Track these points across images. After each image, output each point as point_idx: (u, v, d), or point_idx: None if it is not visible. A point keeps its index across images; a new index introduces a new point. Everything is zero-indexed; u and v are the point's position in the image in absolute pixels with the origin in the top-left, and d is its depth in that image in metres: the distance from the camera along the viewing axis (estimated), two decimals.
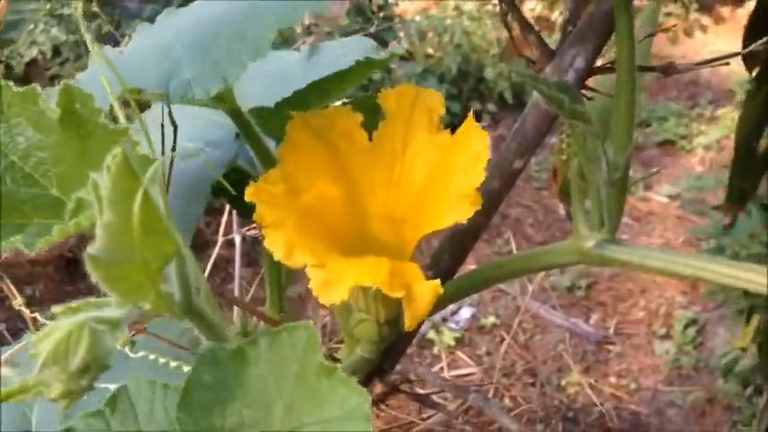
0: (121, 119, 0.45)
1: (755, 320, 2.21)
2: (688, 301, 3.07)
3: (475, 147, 0.53)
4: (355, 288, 0.51)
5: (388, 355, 0.69)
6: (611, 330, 2.98)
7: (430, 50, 4.21)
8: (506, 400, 2.54)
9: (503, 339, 2.87)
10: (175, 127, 0.55)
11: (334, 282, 0.48)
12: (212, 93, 0.49)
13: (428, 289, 0.49)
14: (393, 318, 0.60)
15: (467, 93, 4.03)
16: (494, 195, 0.65)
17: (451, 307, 2.96)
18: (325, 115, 0.57)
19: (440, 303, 0.52)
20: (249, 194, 0.52)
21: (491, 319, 2.96)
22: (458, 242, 0.66)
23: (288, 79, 0.82)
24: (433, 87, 0.64)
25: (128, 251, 0.33)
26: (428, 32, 4.18)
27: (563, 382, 2.72)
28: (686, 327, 2.90)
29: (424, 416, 1.15)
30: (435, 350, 2.78)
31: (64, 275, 2.56)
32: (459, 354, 2.79)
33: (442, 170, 0.56)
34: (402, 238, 0.58)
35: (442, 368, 2.62)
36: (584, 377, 2.75)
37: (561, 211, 3.76)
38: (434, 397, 0.77)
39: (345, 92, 0.81)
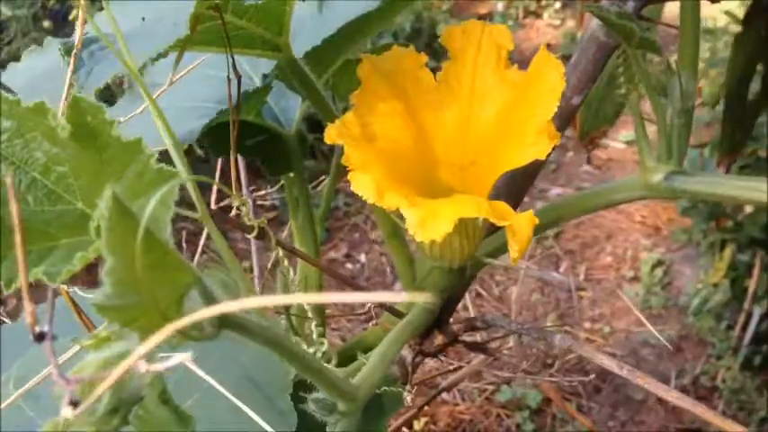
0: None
1: (728, 255, 2.28)
2: (652, 244, 3.16)
3: (550, 79, 0.52)
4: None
5: (447, 306, 0.68)
6: (582, 277, 3.04)
7: None
8: None
9: (478, 294, 2.91)
10: (239, 77, 0.52)
11: (434, 218, 0.46)
12: None
13: (526, 219, 0.48)
14: (464, 264, 0.59)
15: (421, 50, 3.99)
16: None
17: None
18: (390, 57, 0.55)
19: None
20: (331, 136, 0.49)
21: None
22: (516, 183, 0.65)
23: (299, 29, 0.79)
24: None
25: (135, 294, 0.30)
26: None
27: None
28: (653, 268, 2.98)
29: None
30: None
31: None
32: None
33: (515, 107, 0.54)
34: (473, 181, 0.57)
35: None
36: (559, 324, 2.81)
37: None
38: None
39: (370, 35, 0.78)
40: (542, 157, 0.51)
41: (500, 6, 4.67)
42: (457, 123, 0.56)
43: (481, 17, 4.62)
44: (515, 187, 0.65)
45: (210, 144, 0.72)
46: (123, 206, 0.29)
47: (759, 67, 1.13)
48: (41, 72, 0.56)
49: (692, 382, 2.48)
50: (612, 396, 2.52)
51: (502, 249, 0.66)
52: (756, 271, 2.22)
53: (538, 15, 4.88)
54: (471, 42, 0.55)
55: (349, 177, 0.48)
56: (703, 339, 2.58)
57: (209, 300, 0.34)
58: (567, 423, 2.44)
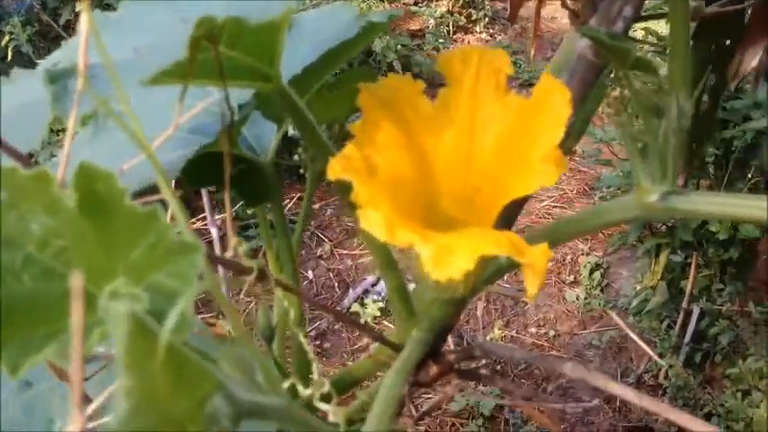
0: None
1: (663, 259, 2.35)
2: (589, 248, 3.23)
3: (556, 105, 0.51)
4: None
5: (441, 335, 0.66)
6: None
7: None
8: None
9: None
10: (232, 111, 0.49)
11: (450, 255, 0.44)
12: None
13: (541, 253, 0.47)
14: (465, 294, 0.58)
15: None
16: None
17: (371, 279, 2.95)
18: (388, 85, 0.53)
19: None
20: (336, 171, 0.46)
21: (412, 286, 2.98)
22: (508, 206, 0.64)
23: None
24: None
25: (154, 412, 0.28)
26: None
27: (487, 338, 2.80)
28: (591, 272, 3.06)
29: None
30: (361, 321, 2.77)
31: None
32: (386, 323, 2.79)
33: (518, 134, 0.53)
34: (477, 211, 0.55)
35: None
36: (506, 331, 2.84)
37: None
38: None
39: (345, 60, 0.77)
40: (549, 185, 0.50)
41: (432, 22, 4.71)
42: (459, 152, 0.55)
43: (414, 33, 4.65)
44: (507, 211, 0.64)
45: (185, 175, 0.69)
46: (143, 325, 0.26)
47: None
48: (15, 110, 0.51)
49: (636, 380, 2.54)
50: (561, 400, 2.56)
51: (499, 274, 0.65)
52: (692, 271, 2.30)
53: (468, 31, 4.94)
54: (469, 68, 0.54)
55: (358, 214, 0.46)
56: (645, 339, 2.65)
57: (232, 401, 0.32)
58: (519, 428, 2.46)
